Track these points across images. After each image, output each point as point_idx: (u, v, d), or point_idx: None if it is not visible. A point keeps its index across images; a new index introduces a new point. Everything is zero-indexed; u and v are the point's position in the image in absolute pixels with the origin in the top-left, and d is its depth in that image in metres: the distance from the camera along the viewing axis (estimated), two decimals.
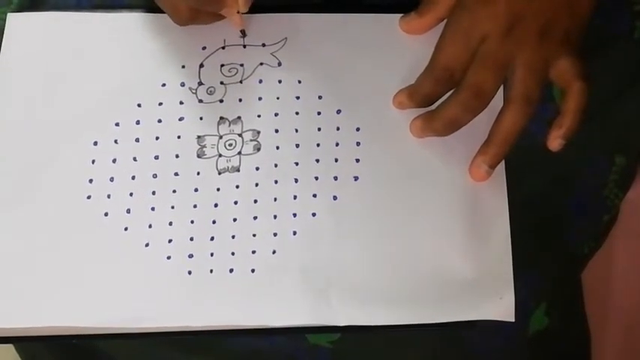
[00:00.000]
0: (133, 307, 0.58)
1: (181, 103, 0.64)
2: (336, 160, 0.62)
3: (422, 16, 0.64)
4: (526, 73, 0.59)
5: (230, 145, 0.63)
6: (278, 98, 0.64)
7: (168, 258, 0.60)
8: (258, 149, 0.63)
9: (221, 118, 0.63)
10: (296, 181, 0.62)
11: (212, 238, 0.60)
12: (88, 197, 0.61)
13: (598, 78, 0.63)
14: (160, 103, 0.64)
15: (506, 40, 0.59)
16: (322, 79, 0.64)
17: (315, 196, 0.61)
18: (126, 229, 0.61)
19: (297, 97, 0.64)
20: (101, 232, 0.60)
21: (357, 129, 0.63)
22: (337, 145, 0.63)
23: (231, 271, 0.59)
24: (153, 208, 0.61)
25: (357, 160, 0.62)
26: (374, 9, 0.67)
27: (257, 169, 0.62)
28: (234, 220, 0.61)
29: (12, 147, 0.63)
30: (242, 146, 0.63)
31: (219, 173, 0.62)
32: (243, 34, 0.65)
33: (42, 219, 0.61)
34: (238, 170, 0.62)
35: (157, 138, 0.63)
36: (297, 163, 0.62)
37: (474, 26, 0.60)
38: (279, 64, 0.65)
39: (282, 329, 0.59)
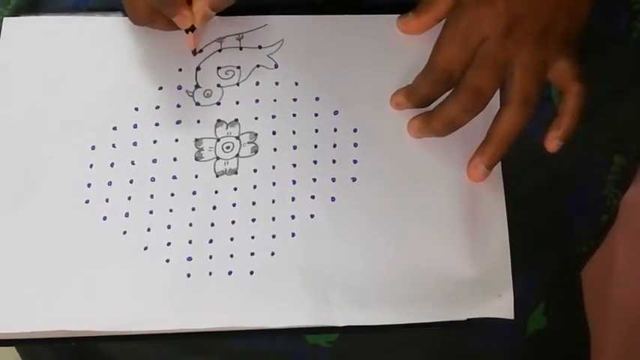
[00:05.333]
0: (133, 311, 0.58)
1: (178, 106, 0.64)
2: (334, 162, 0.62)
3: (419, 17, 0.64)
4: (525, 74, 0.59)
5: (227, 147, 0.63)
6: (275, 100, 0.64)
7: (167, 261, 0.60)
8: (256, 151, 0.63)
9: (218, 120, 0.63)
10: (294, 182, 0.62)
11: (211, 241, 0.60)
12: (87, 201, 0.61)
13: (597, 78, 0.63)
14: (157, 107, 0.64)
15: (505, 42, 0.59)
16: (319, 80, 0.64)
17: (313, 197, 0.61)
18: (124, 232, 0.61)
19: (294, 99, 0.64)
20: (100, 236, 0.60)
21: (355, 130, 0.63)
22: (335, 146, 0.63)
23: (230, 273, 0.59)
24: (151, 212, 0.61)
25: (355, 162, 0.62)
26: (375, 9, 0.66)
27: (255, 171, 0.62)
28: (233, 222, 0.61)
29: (9, 152, 0.63)
30: (239, 149, 0.63)
31: (217, 176, 0.62)
32: (194, 54, 0.65)
33: (41, 224, 0.61)
34: (236, 173, 0.62)
35: (155, 141, 0.63)
36: (294, 165, 0.62)
37: (473, 27, 0.60)
38: (276, 66, 0.65)
39: (281, 330, 0.59)
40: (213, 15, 0.62)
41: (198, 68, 0.65)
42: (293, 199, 0.61)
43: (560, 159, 0.63)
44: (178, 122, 0.63)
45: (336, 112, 0.64)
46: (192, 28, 0.63)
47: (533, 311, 0.66)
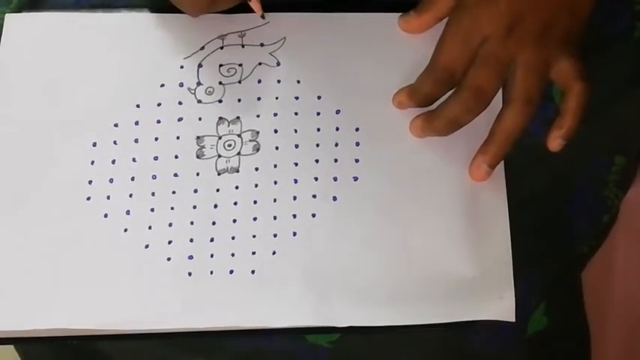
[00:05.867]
0: (133, 309, 0.58)
1: (180, 103, 0.64)
2: (336, 161, 0.62)
3: (421, 16, 0.64)
4: (526, 73, 0.59)
5: (229, 145, 0.63)
6: (277, 98, 0.64)
7: (168, 259, 0.60)
8: (258, 150, 0.62)
9: (220, 118, 0.63)
10: (295, 181, 0.62)
11: (212, 239, 0.60)
12: (88, 198, 0.61)
13: (598, 77, 0.63)
14: (159, 104, 0.63)
15: (506, 41, 0.59)
16: (321, 79, 0.64)
17: (314, 196, 0.61)
18: (125, 230, 0.60)
19: (297, 98, 0.64)
20: (101, 233, 0.60)
21: (357, 129, 0.63)
22: (337, 145, 0.63)
23: (231, 272, 0.59)
24: (152, 209, 0.61)
25: (357, 161, 0.62)
26: (377, 8, 0.66)
27: (256, 169, 0.62)
28: (234, 221, 0.61)
29: (11, 149, 0.62)
30: (241, 147, 0.62)
31: (219, 174, 0.62)
32: (263, 17, 0.65)
33: (41, 220, 0.61)
34: (238, 171, 0.62)
35: (156, 139, 0.63)
36: (296, 164, 0.62)
37: (474, 26, 0.60)
38: (278, 63, 0.65)
39: (282, 329, 0.59)
40: None
41: (199, 65, 0.64)
42: (294, 198, 0.61)
43: (561, 159, 0.63)
44: (180, 119, 0.63)
45: (338, 111, 0.64)
46: None
47: (534, 311, 0.65)
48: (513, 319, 0.59)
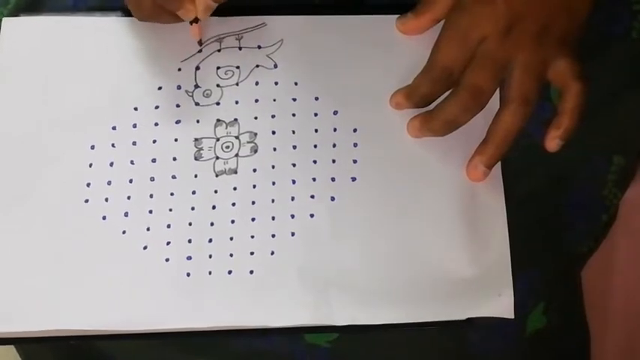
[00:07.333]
0: (132, 310, 0.58)
1: (178, 105, 0.64)
2: (334, 161, 0.62)
3: (418, 17, 0.64)
4: (524, 74, 0.59)
5: (227, 147, 0.63)
6: (274, 100, 0.64)
7: (167, 260, 0.60)
8: (256, 151, 0.63)
9: (218, 120, 0.63)
10: (293, 182, 0.62)
11: (210, 240, 0.60)
12: (86, 201, 0.61)
13: (596, 77, 0.63)
14: (157, 107, 0.64)
15: (504, 41, 0.59)
16: (318, 80, 0.64)
17: (312, 197, 0.62)
18: (124, 232, 0.61)
19: (294, 99, 0.64)
20: (99, 235, 0.60)
21: (354, 130, 0.63)
22: (334, 146, 0.63)
23: (229, 272, 0.60)
24: (151, 211, 0.61)
25: (355, 161, 0.62)
26: (374, 10, 0.67)
27: (254, 170, 0.62)
28: (232, 221, 0.61)
29: (8, 151, 0.63)
30: (239, 148, 0.63)
31: (217, 175, 0.62)
32: (200, 44, 0.65)
33: (40, 223, 0.61)
34: (236, 172, 0.62)
35: (154, 141, 0.63)
36: (294, 165, 0.62)
37: (472, 27, 0.60)
38: (275, 65, 0.65)
39: (281, 329, 0.59)
40: (215, 6, 0.62)
41: (197, 68, 0.65)
42: (293, 198, 0.61)
43: (559, 159, 0.63)
44: (178, 122, 0.63)
45: (335, 112, 0.64)
46: (195, 20, 0.63)
47: (533, 311, 0.65)
48: (512, 316, 0.59)
